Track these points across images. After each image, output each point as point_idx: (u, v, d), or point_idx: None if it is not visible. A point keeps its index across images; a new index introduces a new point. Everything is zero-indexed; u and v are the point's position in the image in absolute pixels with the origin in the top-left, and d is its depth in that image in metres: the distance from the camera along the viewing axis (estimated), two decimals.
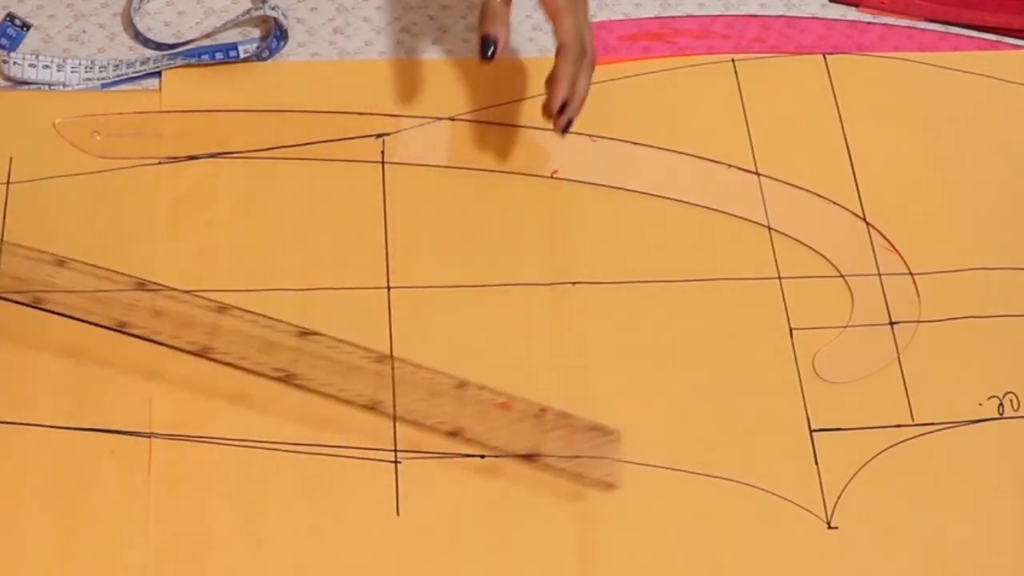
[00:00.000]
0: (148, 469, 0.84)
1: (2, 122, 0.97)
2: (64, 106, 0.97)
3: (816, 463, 0.87)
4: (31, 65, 0.98)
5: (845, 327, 0.93)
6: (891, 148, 1.01)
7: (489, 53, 0.89)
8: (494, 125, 0.99)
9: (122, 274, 0.89)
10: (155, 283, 0.90)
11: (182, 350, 0.87)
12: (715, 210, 0.97)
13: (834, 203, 0.98)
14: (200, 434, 0.86)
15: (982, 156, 1.01)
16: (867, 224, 0.97)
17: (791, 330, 0.92)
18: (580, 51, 0.90)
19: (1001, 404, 0.90)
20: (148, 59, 1.00)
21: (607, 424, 0.87)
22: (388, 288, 0.92)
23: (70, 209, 0.93)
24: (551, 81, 0.90)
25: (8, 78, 0.99)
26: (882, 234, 0.97)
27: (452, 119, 1.00)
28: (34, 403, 0.86)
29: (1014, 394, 0.91)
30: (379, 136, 0.98)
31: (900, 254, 0.96)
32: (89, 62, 0.99)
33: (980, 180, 1.00)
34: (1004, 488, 0.88)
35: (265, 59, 1.02)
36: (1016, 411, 0.90)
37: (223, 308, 0.88)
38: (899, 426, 0.89)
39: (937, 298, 0.94)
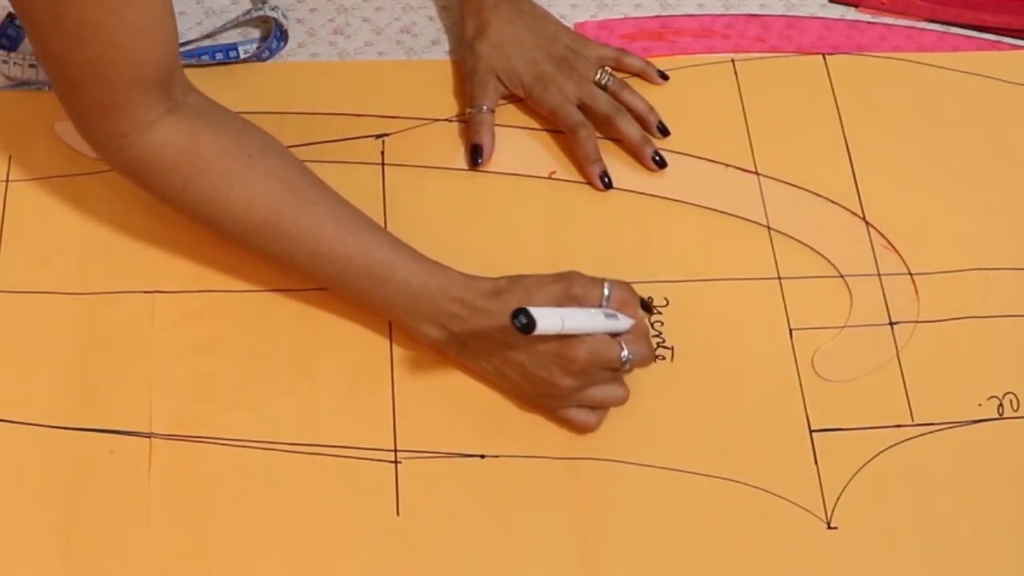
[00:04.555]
0: (148, 469, 0.84)
1: (2, 122, 0.97)
2: None
3: (816, 463, 0.87)
4: (31, 65, 0.98)
5: (844, 327, 0.93)
6: (891, 148, 1.01)
7: (479, 161, 0.97)
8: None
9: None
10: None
11: None
12: (715, 210, 0.97)
13: (834, 203, 0.98)
14: (200, 434, 0.86)
15: (982, 156, 1.01)
16: (867, 224, 0.97)
17: (791, 330, 0.92)
18: (581, 123, 0.97)
19: (1001, 404, 0.90)
20: None
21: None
22: None
23: (70, 208, 0.93)
24: (582, 166, 0.98)
25: (8, 78, 0.99)
26: (881, 234, 0.97)
27: (451, 120, 1.00)
28: (34, 403, 0.86)
29: (1014, 394, 0.91)
30: (379, 137, 0.98)
31: (899, 253, 0.96)
32: None
33: (980, 180, 1.00)
34: (1004, 488, 0.87)
35: (265, 59, 1.02)
36: (1016, 411, 0.90)
37: None
38: (899, 426, 0.89)
39: (936, 298, 0.94)
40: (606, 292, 0.85)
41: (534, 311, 0.76)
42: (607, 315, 0.84)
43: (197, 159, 0.82)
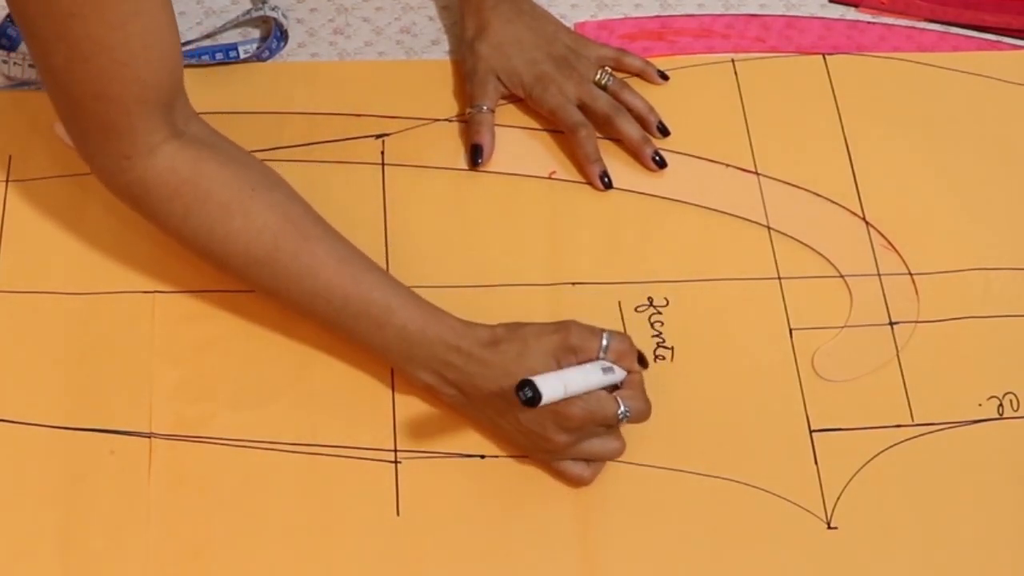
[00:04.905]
0: (148, 469, 0.84)
1: (2, 122, 0.97)
2: None
3: (816, 463, 0.87)
4: (31, 65, 0.98)
5: (844, 327, 0.93)
6: (891, 148, 1.01)
7: (479, 161, 0.96)
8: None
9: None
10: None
11: None
12: (715, 210, 0.97)
13: (834, 203, 0.98)
14: (200, 434, 0.86)
15: (982, 156, 1.01)
16: (866, 224, 0.97)
17: (791, 330, 0.92)
18: (581, 123, 0.97)
19: (1001, 404, 0.90)
20: None
21: None
22: None
23: (70, 208, 0.93)
24: (582, 166, 0.97)
25: (8, 78, 0.99)
26: (881, 234, 0.97)
27: (451, 120, 1.00)
28: (34, 403, 0.86)
29: (1014, 394, 0.91)
30: (379, 137, 0.98)
31: (899, 253, 0.96)
32: None
33: (980, 180, 1.00)
34: (1004, 488, 0.87)
35: (265, 59, 1.02)
36: (1016, 411, 0.90)
37: None
38: (899, 426, 0.89)
39: (936, 298, 0.94)
40: (604, 343, 0.83)
41: (539, 382, 0.75)
42: (604, 368, 0.82)
43: (200, 188, 0.81)
